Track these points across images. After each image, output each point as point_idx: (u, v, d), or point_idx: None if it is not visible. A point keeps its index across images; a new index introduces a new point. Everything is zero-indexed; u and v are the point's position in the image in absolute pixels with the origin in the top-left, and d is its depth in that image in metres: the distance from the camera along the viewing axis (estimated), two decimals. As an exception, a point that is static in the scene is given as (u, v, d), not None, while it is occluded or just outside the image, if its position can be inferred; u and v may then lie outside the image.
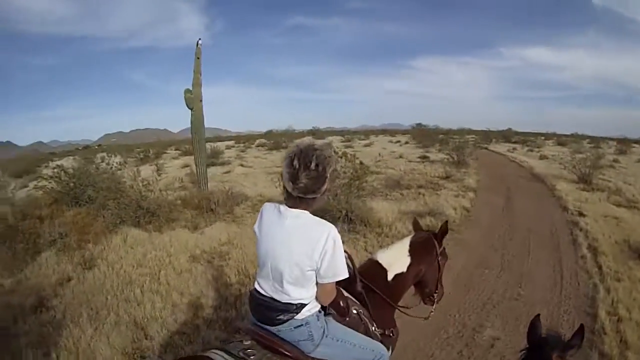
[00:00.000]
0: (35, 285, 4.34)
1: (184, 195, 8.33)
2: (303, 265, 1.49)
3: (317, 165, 1.41)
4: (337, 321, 1.72)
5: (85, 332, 3.37)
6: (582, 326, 1.50)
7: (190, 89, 8.21)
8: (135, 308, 3.82)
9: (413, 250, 2.13)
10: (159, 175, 7.10)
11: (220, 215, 7.21)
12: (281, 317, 1.56)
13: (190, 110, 8.29)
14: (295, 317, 1.56)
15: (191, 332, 3.35)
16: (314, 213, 1.55)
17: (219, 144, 27.62)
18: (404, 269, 2.09)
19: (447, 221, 2.39)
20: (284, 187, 1.47)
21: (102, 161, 7.43)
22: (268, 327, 1.61)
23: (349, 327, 1.74)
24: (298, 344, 1.60)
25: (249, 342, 1.59)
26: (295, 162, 1.41)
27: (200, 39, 8.16)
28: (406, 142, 28.33)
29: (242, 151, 24.50)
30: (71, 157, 25.22)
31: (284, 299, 1.56)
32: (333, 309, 1.72)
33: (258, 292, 1.62)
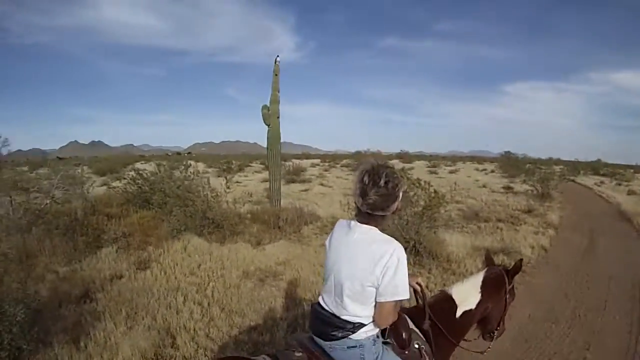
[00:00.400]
0: (88, 277, 4.26)
1: (255, 210, 8.14)
2: (364, 280, 1.48)
3: (386, 182, 1.42)
4: (395, 353, 1.65)
5: (118, 328, 3.29)
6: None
7: (268, 105, 8.23)
8: (172, 315, 3.57)
9: (485, 287, 2.06)
10: (228, 187, 6.94)
11: (286, 234, 6.79)
12: (336, 333, 1.56)
13: (267, 127, 8.26)
14: (350, 337, 1.55)
15: (218, 350, 3.04)
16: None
17: (304, 161, 28.17)
18: (473, 306, 2.02)
19: (522, 259, 2.26)
20: (355, 202, 1.50)
21: (179, 169, 7.51)
22: (323, 342, 1.60)
23: None
24: None
25: (300, 354, 1.58)
26: (366, 178, 1.44)
27: (278, 56, 8.24)
28: (492, 171, 27.08)
29: (326, 170, 24.36)
30: (156, 162, 27.66)
31: (342, 314, 1.56)
32: (394, 339, 1.68)
33: (320, 305, 1.64)
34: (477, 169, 29.17)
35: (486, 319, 2.13)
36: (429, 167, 27.73)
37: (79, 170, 8.56)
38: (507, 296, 2.12)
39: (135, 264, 4.71)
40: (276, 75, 8.19)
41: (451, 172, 25.01)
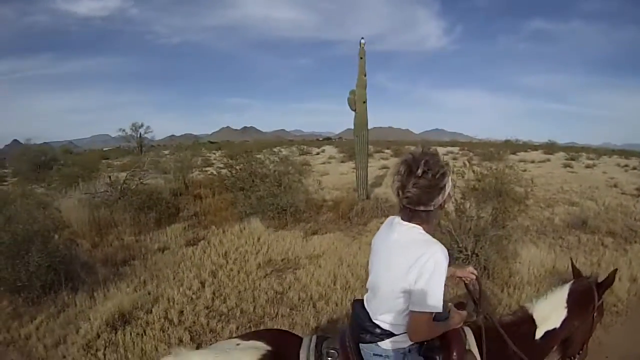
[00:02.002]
0: (142, 247, 5.11)
1: (341, 198, 8.05)
2: (397, 285, 1.39)
3: (425, 172, 1.29)
4: None
5: (124, 289, 4.00)
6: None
7: (355, 90, 7.89)
8: (177, 287, 4.03)
9: (572, 302, 1.85)
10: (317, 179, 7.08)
11: (350, 225, 6.50)
12: (364, 335, 1.51)
13: (353, 112, 7.94)
14: (378, 344, 1.49)
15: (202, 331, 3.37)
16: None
17: (438, 148, 26.36)
18: (558, 325, 1.81)
19: (616, 270, 1.98)
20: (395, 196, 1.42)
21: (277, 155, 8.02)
22: (357, 342, 1.57)
23: None
24: None
25: (336, 347, 1.59)
26: (402, 168, 1.33)
27: (363, 38, 7.68)
28: (633, 168, 21.20)
29: (454, 159, 22.30)
30: (295, 147, 29.89)
31: (375, 317, 1.51)
32: (443, 357, 1.53)
33: (360, 302, 1.62)
34: (618, 164, 23.53)
35: (569, 340, 1.89)
36: (567, 158, 23.58)
37: (188, 156, 10.07)
38: (595, 314, 1.88)
39: (185, 241, 5.34)
40: (361, 58, 7.74)
41: (587, 166, 20.61)
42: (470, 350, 1.62)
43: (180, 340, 3.14)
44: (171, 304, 3.68)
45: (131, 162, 11.19)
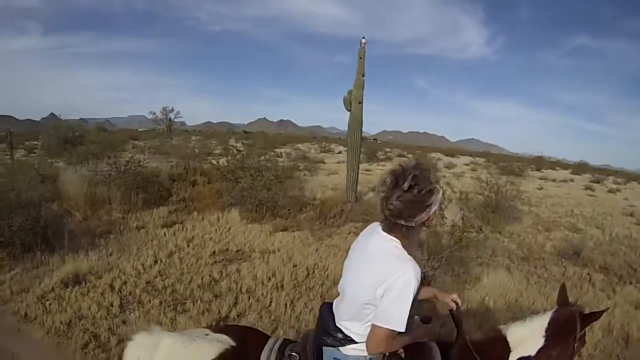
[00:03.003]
0: (123, 223, 5.94)
1: (326, 198, 8.45)
2: (364, 296, 1.42)
3: (412, 186, 1.31)
4: None
5: (91, 257, 4.83)
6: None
7: (352, 89, 8.12)
8: (133, 261, 4.79)
9: (552, 330, 1.83)
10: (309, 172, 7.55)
11: (324, 226, 6.88)
12: (326, 338, 1.55)
13: (348, 112, 8.21)
14: (339, 349, 1.53)
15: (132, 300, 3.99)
16: None
17: (452, 159, 26.76)
18: (533, 353, 1.81)
19: (608, 309, 2.06)
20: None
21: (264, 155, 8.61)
22: (320, 345, 1.61)
23: None
24: None
25: (299, 351, 1.65)
26: (389, 180, 1.35)
27: (364, 37, 7.87)
28: None
29: (473, 170, 21.75)
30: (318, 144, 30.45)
31: (339, 321, 1.56)
32: None
33: (328, 305, 1.67)
34: None
35: None
36: (591, 181, 22.64)
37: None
38: (576, 344, 1.87)
39: (163, 223, 6.10)
40: (361, 58, 7.97)
41: (610, 190, 19.63)
42: None
43: (111, 305, 3.81)
44: (120, 274, 4.39)
45: (158, 144, 12.34)
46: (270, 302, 4.06)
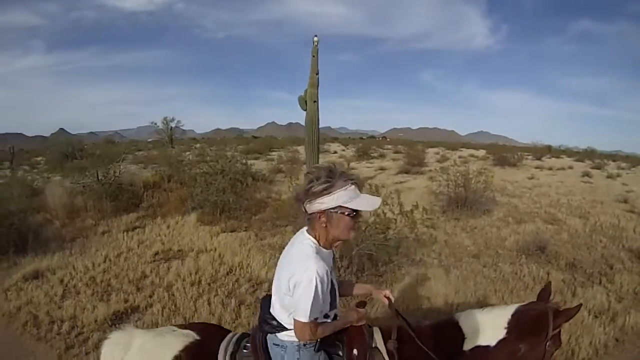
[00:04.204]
0: (92, 229, 7.21)
1: (288, 198, 9.11)
2: (283, 288, 1.67)
3: (312, 181, 1.61)
4: None
5: (49, 257, 6.00)
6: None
7: (307, 88, 8.06)
8: (87, 260, 5.96)
9: (515, 324, 1.87)
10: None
11: (272, 227, 7.69)
12: (264, 326, 1.80)
13: (304, 111, 8.21)
14: (276, 335, 1.76)
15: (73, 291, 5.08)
16: None
17: (452, 152, 27.53)
18: (492, 343, 1.85)
19: (581, 304, 1.98)
20: None
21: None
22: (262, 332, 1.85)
23: None
24: None
25: (249, 344, 1.88)
26: (311, 175, 1.64)
27: (316, 35, 7.88)
28: None
29: (465, 162, 21.62)
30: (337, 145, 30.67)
31: (272, 310, 1.78)
32: (346, 355, 1.76)
33: (269, 296, 1.85)
34: None
35: None
36: (592, 167, 22.51)
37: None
38: (549, 343, 1.83)
39: (125, 228, 7.34)
40: (314, 56, 8.04)
41: (609, 176, 19.25)
42: (376, 348, 1.80)
43: (55, 294, 5.01)
44: (71, 270, 5.60)
45: (159, 153, 13.72)
46: (177, 296, 4.86)
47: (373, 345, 1.77)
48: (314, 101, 8.20)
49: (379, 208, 4.98)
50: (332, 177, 1.57)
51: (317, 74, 8.21)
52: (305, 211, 1.64)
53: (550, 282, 2.12)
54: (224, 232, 7.37)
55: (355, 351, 1.71)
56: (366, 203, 1.61)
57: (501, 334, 1.83)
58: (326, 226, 1.63)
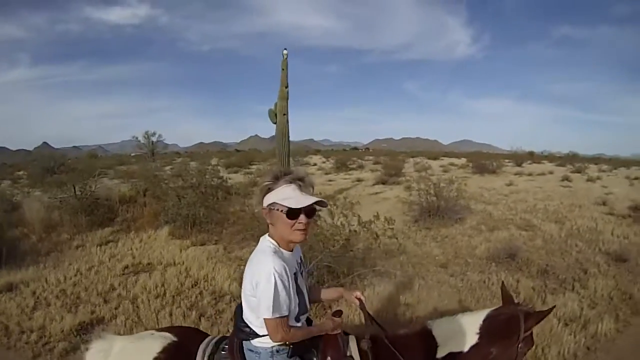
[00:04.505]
0: (67, 244, 7.62)
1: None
2: (248, 289, 1.70)
3: (268, 180, 1.71)
4: None
5: (24, 271, 6.35)
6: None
7: (277, 102, 8.74)
8: (59, 273, 6.35)
9: (487, 329, 1.91)
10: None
11: (242, 240, 7.92)
12: (238, 333, 1.82)
13: (274, 124, 8.90)
14: (250, 341, 1.77)
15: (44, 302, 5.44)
16: None
17: (432, 162, 28.58)
18: (465, 349, 1.89)
19: (554, 307, 2.07)
20: None
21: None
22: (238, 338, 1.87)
23: None
24: None
25: (226, 348, 1.91)
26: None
27: (285, 49, 8.38)
28: None
29: (445, 171, 22.74)
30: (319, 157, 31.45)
31: (245, 316, 1.79)
32: (320, 358, 1.80)
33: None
34: (628, 177, 22.44)
35: None
36: (572, 171, 23.63)
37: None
38: (521, 345, 1.87)
39: (99, 242, 7.77)
40: (283, 70, 8.52)
41: (589, 179, 20.14)
42: (351, 357, 1.81)
43: (27, 306, 5.40)
44: (44, 283, 6.00)
45: (139, 168, 14.10)
46: (141, 308, 5.20)
47: (348, 354, 1.79)
48: (284, 114, 8.68)
49: (338, 220, 5.48)
50: (278, 178, 1.67)
51: (287, 87, 8.66)
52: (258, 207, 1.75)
53: (503, 282, 2.22)
54: (194, 245, 7.77)
55: (329, 358, 1.74)
56: (295, 201, 1.62)
57: (473, 339, 1.86)
58: (271, 224, 1.71)
